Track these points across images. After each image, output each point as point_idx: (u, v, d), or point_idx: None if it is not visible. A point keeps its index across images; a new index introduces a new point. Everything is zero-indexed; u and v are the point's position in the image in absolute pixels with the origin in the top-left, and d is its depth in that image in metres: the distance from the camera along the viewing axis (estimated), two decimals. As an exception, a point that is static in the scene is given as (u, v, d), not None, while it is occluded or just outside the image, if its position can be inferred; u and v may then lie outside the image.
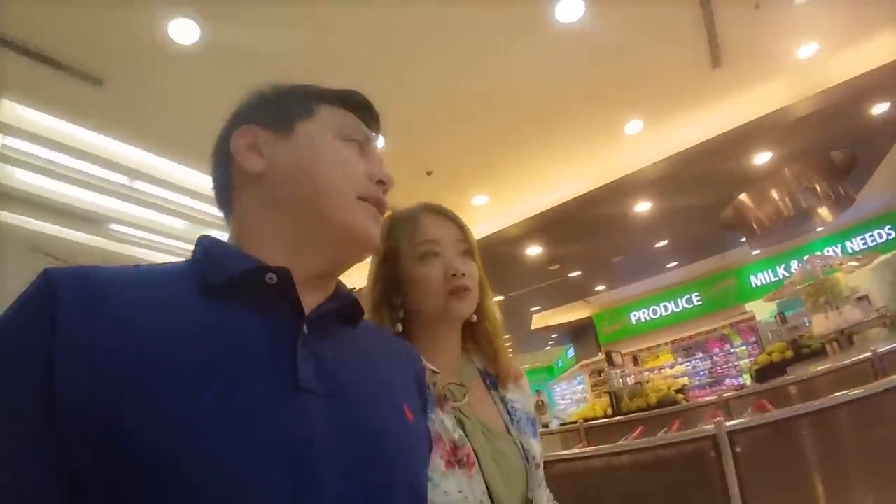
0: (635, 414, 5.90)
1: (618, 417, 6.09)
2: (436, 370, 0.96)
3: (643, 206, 6.97)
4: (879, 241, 13.04)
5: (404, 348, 0.84)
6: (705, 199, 7.10)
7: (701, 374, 12.41)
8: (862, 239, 13.15)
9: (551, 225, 6.81)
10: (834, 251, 13.00)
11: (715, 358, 12.25)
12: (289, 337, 0.58)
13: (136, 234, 5.54)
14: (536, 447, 1.03)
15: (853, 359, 4.61)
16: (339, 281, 0.72)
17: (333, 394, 0.58)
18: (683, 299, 13.01)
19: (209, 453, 0.48)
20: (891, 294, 12.73)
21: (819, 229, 8.39)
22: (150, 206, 5.21)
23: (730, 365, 11.95)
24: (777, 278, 12.84)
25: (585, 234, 7.53)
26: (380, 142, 0.80)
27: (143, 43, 3.36)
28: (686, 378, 12.14)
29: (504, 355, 1.11)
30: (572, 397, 15.70)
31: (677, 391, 6.80)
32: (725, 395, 5.51)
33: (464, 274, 1.01)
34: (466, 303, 1.02)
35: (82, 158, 4.35)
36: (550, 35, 4.00)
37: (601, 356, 10.87)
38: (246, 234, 0.66)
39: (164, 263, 0.64)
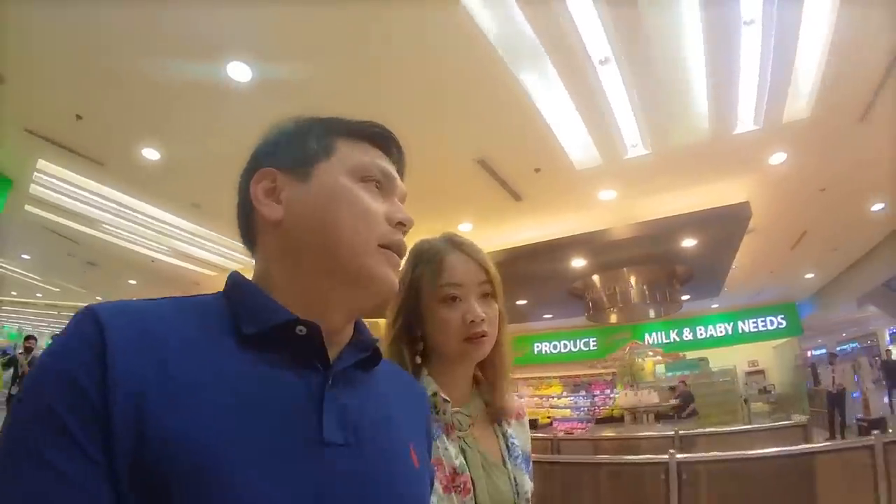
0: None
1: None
2: (447, 399, 0.99)
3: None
4: (770, 327, 14.62)
5: (415, 389, 0.84)
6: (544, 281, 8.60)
7: (581, 409, 13.97)
8: (754, 322, 14.59)
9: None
10: (725, 328, 14.56)
11: (595, 398, 13.79)
12: (315, 388, 0.59)
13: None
14: (528, 483, 1.06)
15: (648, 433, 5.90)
16: (360, 322, 0.71)
17: (353, 444, 0.59)
18: (582, 341, 14.30)
19: (238, 500, 0.49)
20: (787, 375, 14.29)
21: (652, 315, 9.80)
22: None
23: (606, 406, 13.51)
24: (668, 340, 14.43)
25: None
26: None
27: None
28: (569, 410, 13.77)
29: (508, 391, 1.12)
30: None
31: (548, 418, 8.23)
32: (559, 435, 6.25)
33: (483, 320, 1.02)
34: (482, 348, 1.03)
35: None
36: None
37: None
38: (269, 279, 0.65)
39: (196, 296, 0.64)
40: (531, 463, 1.12)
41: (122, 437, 0.47)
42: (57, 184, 5.91)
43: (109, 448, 0.47)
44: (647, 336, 14.15)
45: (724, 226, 6.77)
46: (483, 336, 1.02)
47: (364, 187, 0.67)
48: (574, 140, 5.04)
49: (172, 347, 0.53)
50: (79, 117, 4.37)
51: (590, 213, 6.77)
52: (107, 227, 7.28)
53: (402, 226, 0.68)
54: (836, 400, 9.72)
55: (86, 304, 0.53)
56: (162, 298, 0.60)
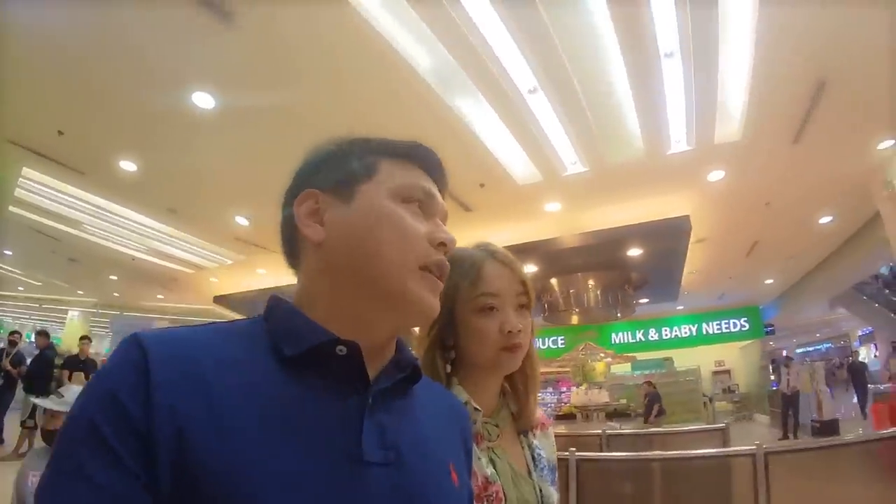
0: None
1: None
2: (478, 408, 1.00)
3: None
4: (734, 329, 15.30)
5: (454, 405, 0.83)
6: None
7: (549, 405, 14.49)
8: (718, 324, 15.27)
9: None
10: (689, 329, 15.19)
11: (562, 395, 14.32)
12: (355, 409, 0.59)
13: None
14: (553, 494, 1.06)
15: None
16: (401, 341, 0.71)
17: (393, 463, 0.59)
18: (550, 339, 14.96)
19: None
20: (753, 376, 14.89)
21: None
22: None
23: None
24: (634, 340, 15.06)
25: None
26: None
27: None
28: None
29: (534, 402, 1.11)
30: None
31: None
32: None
33: (520, 331, 1.01)
34: (516, 359, 1.02)
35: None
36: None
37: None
38: (311, 298, 0.65)
39: (236, 321, 0.65)
40: (556, 472, 1.12)
41: (164, 455, 0.48)
42: (40, 188, 6.30)
43: (151, 465, 0.47)
44: (613, 336, 14.76)
45: (667, 237, 7.28)
46: (520, 347, 1.02)
47: (406, 208, 0.66)
48: (514, 159, 5.51)
49: (214, 373, 0.54)
50: (60, 133, 4.76)
51: (538, 223, 7.24)
52: (88, 227, 7.67)
53: (444, 246, 0.67)
54: (790, 401, 10.17)
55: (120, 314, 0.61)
56: (203, 325, 0.61)
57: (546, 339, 15.04)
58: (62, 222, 7.46)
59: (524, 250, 7.65)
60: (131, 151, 5.22)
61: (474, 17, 3.57)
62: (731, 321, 15.20)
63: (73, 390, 2.93)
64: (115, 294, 13.88)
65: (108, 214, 7.08)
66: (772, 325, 15.85)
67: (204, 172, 5.57)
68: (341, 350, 0.59)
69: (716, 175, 6.11)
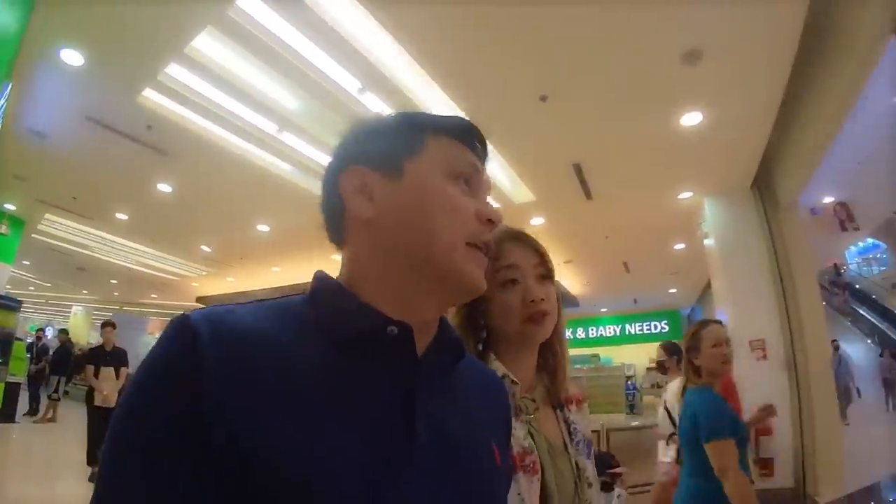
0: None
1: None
2: (516, 381, 1.01)
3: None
4: (654, 330, 17.29)
5: (495, 381, 0.82)
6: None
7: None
8: (640, 325, 17.34)
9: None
10: (614, 329, 17.31)
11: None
12: (406, 389, 0.58)
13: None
14: (590, 468, 1.07)
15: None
16: (444, 319, 0.69)
17: (443, 440, 0.60)
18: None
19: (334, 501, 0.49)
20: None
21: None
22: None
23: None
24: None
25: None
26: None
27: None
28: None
29: (566, 374, 1.12)
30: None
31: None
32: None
33: (542, 299, 1.03)
34: (544, 327, 1.04)
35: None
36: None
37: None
38: (359, 276, 0.63)
39: (283, 299, 0.63)
40: (591, 446, 1.13)
41: (220, 448, 0.46)
42: (58, 225, 8.53)
43: (206, 455, 0.46)
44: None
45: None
46: (545, 315, 1.03)
47: (454, 184, 0.65)
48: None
49: (263, 355, 0.52)
50: (74, 198, 6.98)
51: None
52: (94, 248, 9.92)
53: (491, 223, 0.66)
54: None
55: (183, 313, 0.53)
56: (250, 303, 0.59)
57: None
58: (74, 245, 9.72)
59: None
60: (123, 208, 7.46)
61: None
62: (653, 323, 17.21)
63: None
64: (115, 294, 16.15)
65: (110, 241, 9.32)
66: (706, 325, 17.69)
67: (174, 220, 7.81)
68: (392, 331, 0.58)
69: (537, 220, 7.56)
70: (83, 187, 6.65)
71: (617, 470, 4.30)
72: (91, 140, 5.24)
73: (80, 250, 10.05)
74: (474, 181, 0.68)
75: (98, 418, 5.48)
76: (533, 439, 1.00)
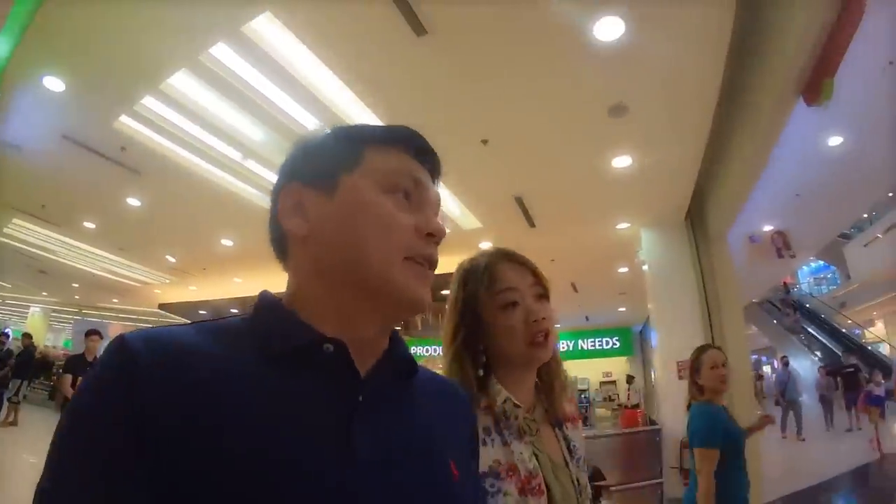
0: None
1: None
2: (518, 404, 1.02)
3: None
4: (606, 346, 18.08)
5: (457, 397, 0.79)
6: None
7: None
8: (592, 341, 18.06)
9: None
10: (567, 344, 17.85)
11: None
12: (346, 405, 0.57)
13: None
14: (586, 481, 1.11)
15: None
16: (395, 334, 0.68)
17: (387, 460, 0.58)
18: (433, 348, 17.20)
19: None
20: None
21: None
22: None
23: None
24: (518, 352, 17.68)
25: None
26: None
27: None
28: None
29: (563, 393, 1.13)
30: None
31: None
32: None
33: (545, 318, 1.04)
34: (548, 347, 1.05)
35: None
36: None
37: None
38: (299, 294, 0.63)
39: (222, 320, 0.62)
40: (587, 465, 1.16)
41: (155, 460, 0.47)
42: (24, 230, 8.70)
43: (145, 467, 0.47)
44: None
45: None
46: (548, 333, 1.05)
47: (391, 198, 0.64)
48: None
49: (201, 372, 0.52)
50: (43, 206, 7.24)
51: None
52: (58, 253, 10.06)
53: (433, 237, 0.65)
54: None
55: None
56: (188, 324, 0.59)
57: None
58: (38, 248, 9.85)
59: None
60: (92, 218, 7.72)
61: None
62: (605, 339, 17.94)
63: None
64: (76, 297, 16.10)
65: (75, 247, 9.50)
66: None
67: (142, 231, 8.11)
68: (328, 348, 0.57)
69: (486, 244, 7.19)
70: (53, 197, 6.89)
71: (603, 483, 4.66)
72: (66, 156, 5.53)
73: (45, 254, 10.17)
74: (416, 195, 0.67)
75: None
76: (537, 459, 1.02)
